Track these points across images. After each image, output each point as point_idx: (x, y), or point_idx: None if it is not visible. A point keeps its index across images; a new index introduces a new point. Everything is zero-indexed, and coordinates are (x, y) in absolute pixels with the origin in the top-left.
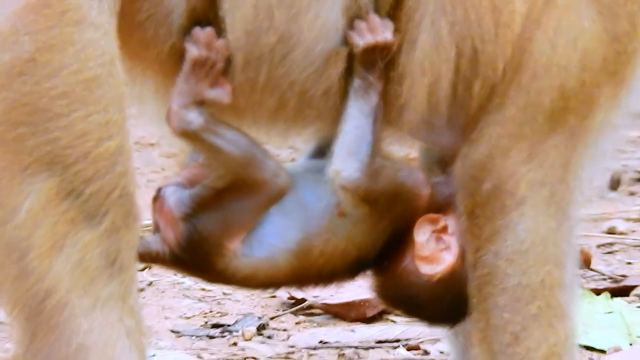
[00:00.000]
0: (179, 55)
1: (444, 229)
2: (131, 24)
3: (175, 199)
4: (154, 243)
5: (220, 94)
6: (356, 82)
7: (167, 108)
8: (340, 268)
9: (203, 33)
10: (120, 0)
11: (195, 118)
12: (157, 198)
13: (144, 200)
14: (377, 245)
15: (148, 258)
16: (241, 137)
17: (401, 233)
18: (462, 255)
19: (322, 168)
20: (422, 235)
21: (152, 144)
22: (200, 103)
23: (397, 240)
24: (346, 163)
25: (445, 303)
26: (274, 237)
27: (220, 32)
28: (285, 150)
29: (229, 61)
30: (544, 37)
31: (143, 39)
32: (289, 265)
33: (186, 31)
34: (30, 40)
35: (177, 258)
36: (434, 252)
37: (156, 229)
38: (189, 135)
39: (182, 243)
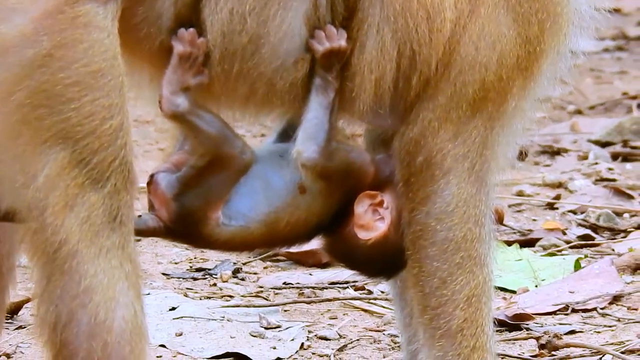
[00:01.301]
0: (167, 50)
1: (380, 203)
2: (129, 25)
3: (166, 182)
4: (151, 220)
5: (201, 79)
6: (317, 81)
7: (158, 94)
8: (302, 233)
9: (187, 33)
10: (121, 7)
11: (182, 102)
12: (151, 182)
13: (140, 168)
14: (331, 214)
15: (147, 233)
16: (216, 120)
17: (349, 204)
18: (395, 225)
19: (285, 151)
20: (361, 207)
21: (148, 121)
22: (186, 89)
23: (344, 210)
24: (306, 145)
25: (378, 262)
26: (248, 210)
27: (201, 32)
28: (256, 126)
29: (208, 55)
30: (469, 41)
31: (138, 37)
32: (260, 232)
33: (173, 31)
34: (48, 39)
35: (170, 231)
36: (369, 222)
37: (151, 207)
38: (177, 116)
39: (174, 218)
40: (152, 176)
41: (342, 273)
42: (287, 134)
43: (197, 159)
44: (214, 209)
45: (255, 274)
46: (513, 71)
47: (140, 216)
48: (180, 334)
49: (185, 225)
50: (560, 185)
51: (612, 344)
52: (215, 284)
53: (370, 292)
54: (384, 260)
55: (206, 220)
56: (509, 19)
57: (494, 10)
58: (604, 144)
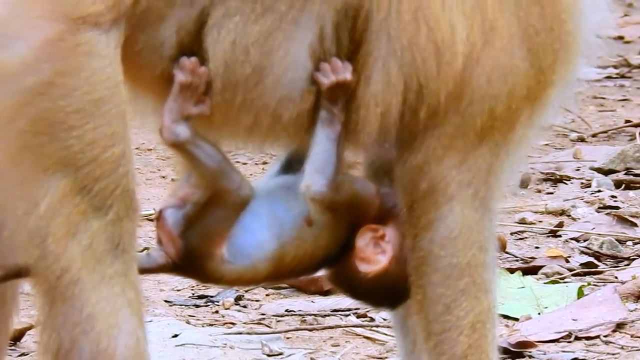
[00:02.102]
0: (168, 78)
1: (382, 237)
2: (131, 53)
3: (173, 219)
4: (159, 257)
5: (202, 109)
6: (322, 113)
7: (159, 123)
8: (309, 266)
9: (188, 62)
10: (124, 35)
11: (182, 131)
12: (159, 218)
13: (142, 195)
14: (337, 245)
15: (156, 270)
16: (216, 153)
17: (353, 235)
18: (396, 258)
19: (291, 184)
20: (362, 241)
21: (150, 149)
22: (187, 118)
23: (348, 242)
24: (315, 179)
25: (380, 293)
26: (255, 249)
27: (203, 61)
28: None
29: (209, 85)
30: (482, 73)
31: (140, 64)
32: (267, 269)
33: (175, 59)
34: (49, 67)
35: (177, 267)
36: (370, 255)
37: (159, 242)
38: (177, 145)
39: (181, 255)
40: (160, 212)
41: (344, 300)
42: (290, 165)
43: (199, 195)
44: (217, 245)
45: (257, 301)
46: (522, 101)
47: (148, 254)
48: None
49: (191, 261)
50: (562, 212)
51: None
52: (217, 311)
53: (372, 320)
54: (386, 292)
55: (210, 257)
56: (523, 50)
57: (509, 41)
58: (606, 172)
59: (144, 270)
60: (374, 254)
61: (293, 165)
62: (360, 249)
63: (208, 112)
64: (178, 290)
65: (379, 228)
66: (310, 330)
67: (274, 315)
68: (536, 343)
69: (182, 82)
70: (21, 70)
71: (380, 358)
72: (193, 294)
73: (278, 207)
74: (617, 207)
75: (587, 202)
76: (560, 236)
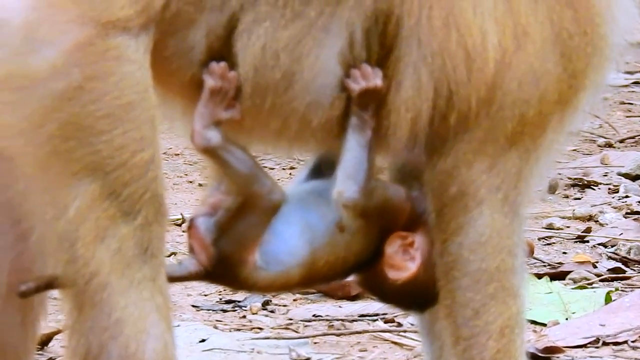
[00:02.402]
0: (198, 83)
1: (411, 244)
2: (160, 58)
3: (205, 227)
4: (192, 266)
5: (233, 113)
6: (353, 120)
7: (190, 129)
8: (341, 271)
9: (218, 67)
10: (153, 40)
11: (214, 136)
12: (191, 226)
13: (170, 200)
14: (369, 251)
15: (189, 278)
16: (247, 158)
17: (384, 240)
18: (425, 264)
19: (322, 190)
20: (391, 248)
21: (177, 154)
22: (218, 123)
23: (380, 247)
24: (347, 185)
25: (409, 298)
26: (287, 255)
27: (232, 65)
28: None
29: (239, 88)
30: (513, 78)
31: (169, 69)
32: (300, 275)
33: (204, 64)
34: (78, 71)
35: (210, 274)
36: (399, 262)
37: (191, 251)
38: (208, 151)
39: (213, 263)
40: (191, 220)
41: (372, 305)
42: (319, 170)
43: (231, 201)
44: (249, 251)
45: (284, 306)
46: (553, 106)
47: (180, 262)
48: None
49: (223, 268)
50: (590, 218)
51: None
52: (244, 316)
53: (400, 325)
54: (415, 296)
55: (243, 264)
56: (556, 54)
57: (542, 46)
58: (634, 177)
59: (176, 279)
60: (403, 261)
61: (322, 170)
62: (389, 256)
63: (239, 116)
64: (205, 295)
65: (408, 235)
66: (337, 335)
67: (301, 320)
68: (564, 348)
69: (212, 87)
70: (50, 75)
71: None
72: (220, 299)
73: (310, 213)
74: None
75: (614, 208)
76: (587, 241)
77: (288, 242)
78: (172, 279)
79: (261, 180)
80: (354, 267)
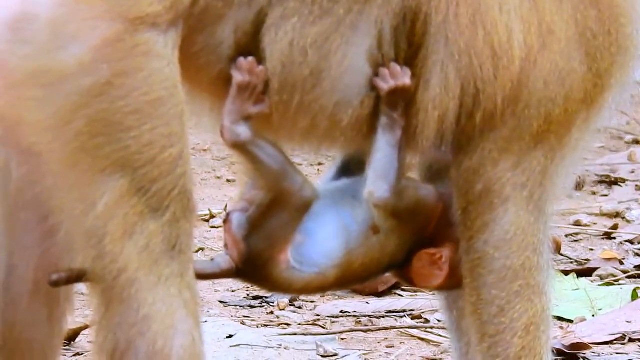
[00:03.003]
0: (226, 78)
1: (440, 258)
2: (189, 54)
3: (237, 222)
4: (224, 263)
5: (262, 108)
6: (383, 119)
7: (220, 125)
8: (375, 271)
9: (246, 62)
10: (181, 36)
11: (243, 132)
12: (227, 221)
13: (198, 196)
14: (403, 251)
15: (220, 275)
16: (278, 154)
17: (418, 240)
18: (452, 273)
19: (355, 190)
20: (419, 262)
21: (205, 150)
22: (247, 119)
23: (413, 248)
24: (378, 185)
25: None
26: (322, 257)
27: (260, 61)
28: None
29: (267, 84)
30: (539, 76)
31: (197, 65)
32: (335, 277)
33: (232, 59)
34: (107, 67)
35: (242, 272)
36: (427, 275)
37: (225, 246)
38: (238, 146)
39: (244, 260)
40: (227, 215)
41: (399, 302)
42: (348, 168)
43: (262, 197)
44: (281, 250)
45: (312, 302)
46: (579, 105)
47: (212, 259)
48: None
49: (254, 267)
50: (617, 215)
51: None
52: (272, 312)
53: (427, 321)
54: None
55: (274, 263)
56: (582, 54)
57: (567, 45)
58: None
59: (207, 276)
60: (430, 273)
61: (351, 167)
62: (416, 269)
63: (267, 111)
64: (233, 291)
65: (436, 252)
66: (364, 331)
67: (328, 317)
68: (590, 345)
69: (240, 82)
70: (78, 71)
71: (435, 359)
72: (248, 295)
73: (344, 214)
74: None
75: None
76: (614, 238)
77: (324, 243)
78: (204, 276)
79: (292, 177)
80: (387, 268)
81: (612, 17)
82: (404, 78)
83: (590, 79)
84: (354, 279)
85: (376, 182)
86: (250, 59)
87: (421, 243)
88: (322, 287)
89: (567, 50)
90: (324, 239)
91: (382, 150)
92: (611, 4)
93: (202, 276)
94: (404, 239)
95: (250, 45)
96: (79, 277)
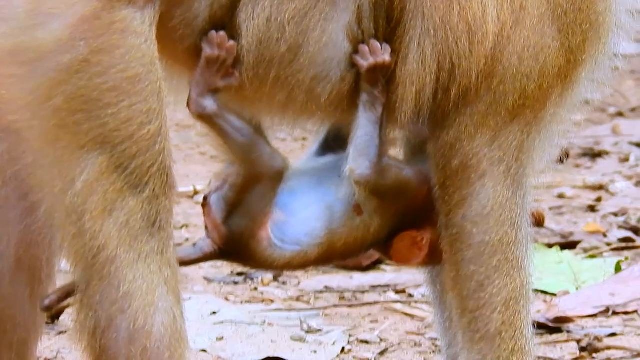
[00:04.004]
0: (199, 52)
1: (422, 240)
2: (166, 29)
3: (216, 205)
4: (206, 246)
5: (230, 81)
6: (363, 96)
7: (187, 96)
8: (358, 250)
9: (216, 36)
10: (159, 12)
11: (209, 104)
12: (205, 205)
13: (182, 172)
14: (386, 231)
15: (204, 259)
16: (245, 126)
17: (402, 220)
18: (432, 252)
19: (338, 167)
20: (401, 243)
21: (189, 126)
22: (215, 91)
23: (397, 228)
24: (358, 162)
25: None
26: (305, 235)
27: (235, 36)
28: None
29: (240, 59)
30: (513, 52)
31: (173, 39)
32: (317, 254)
33: (206, 33)
34: (84, 44)
35: (225, 253)
36: (407, 255)
37: (206, 229)
38: (204, 118)
39: (226, 241)
40: (205, 198)
41: (383, 277)
42: (331, 143)
43: (235, 175)
44: (261, 225)
45: (296, 277)
46: (553, 80)
47: (194, 244)
48: (222, 339)
49: (237, 246)
50: (601, 187)
51: None
52: (256, 288)
53: (411, 296)
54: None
55: (256, 239)
56: (554, 30)
57: (540, 21)
58: None
59: (191, 262)
60: (411, 254)
61: (336, 142)
62: (397, 250)
63: (236, 84)
64: (217, 268)
65: (417, 235)
66: (348, 306)
67: (312, 292)
68: (574, 318)
69: (209, 55)
70: (57, 48)
71: (419, 334)
72: (232, 272)
73: (328, 193)
74: None
75: (625, 177)
76: (598, 211)
77: (306, 222)
78: (188, 262)
79: (260, 148)
80: (370, 246)
81: None
82: (384, 55)
83: (564, 54)
84: (336, 256)
85: (357, 159)
86: (222, 33)
87: (405, 223)
88: (304, 264)
89: (539, 26)
90: (307, 218)
91: (363, 128)
92: None
93: (186, 262)
94: (387, 219)
95: (226, 19)
96: (69, 293)
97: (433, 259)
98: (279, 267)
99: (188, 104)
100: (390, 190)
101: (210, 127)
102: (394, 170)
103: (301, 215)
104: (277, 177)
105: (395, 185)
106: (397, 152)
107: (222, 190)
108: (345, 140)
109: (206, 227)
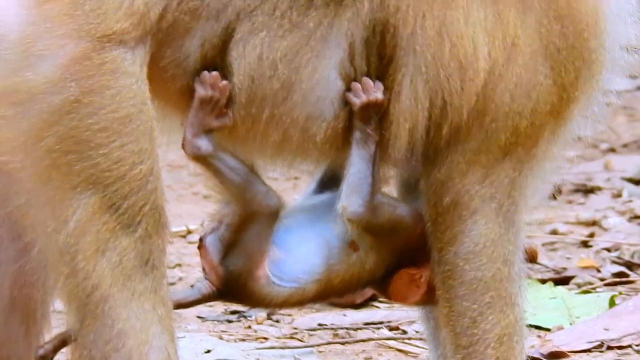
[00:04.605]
0: (191, 92)
1: (420, 278)
2: (157, 69)
3: (213, 247)
4: (204, 288)
5: (224, 121)
6: (356, 134)
7: (182, 137)
8: (354, 287)
9: (209, 76)
10: (150, 52)
11: (204, 145)
12: (201, 246)
13: (174, 212)
14: (383, 269)
15: (202, 300)
16: (240, 165)
17: (399, 258)
18: (430, 291)
19: (334, 204)
20: (400, 280)
21: (181, 166)
22: (208, 132)
23: (393, 265)
24: (351, 200)
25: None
26: (302, 272)
27: (227, 75)
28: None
29: (232, 98)
30: (505, 89)
31: (165, 79)
32: (315, 292)
33: (198, 73)
34: (75, 85)
35: (223, 293)
36: (405, 293)
37: (203, 270)
38: (200, 159)
39: (224, 282)
40: (200, 239)
41: (377, 313)
42: (330, 182)
43: (231, 215)
44: (258, 264)
45: (289, 315)
46: (545, 117)
47: (192, 286)
48: None
49: (235, 286)
50: (594, 223)
51: None
52: (249, 326)
53: (404, 332)
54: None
55: (254, 279)
56: (546, 67)
57: (532, 58)
58: (637, 182)
59: (190, 304)
60: (409, 292)
61: (333, 181)
62: (396, 287)
63: (230, 123)
64: (210, 306)
65: (416, 272)
66: (342, 343)
67: (306, 330)
68: (568, 353)
69: (202, 96)
70: (48, 89)
71: None
72: (226, 310)
73: (326, 230)
74: None
75: (618, 212)
76: (591, 246)
77: (304, 259)
78: (186, 304)
79: (255, 187)
80: (367, 283)
81: (575, 32)
82: (377, 93)
83: (556, 91)
84: (333, 293)
85: (350, 197)
86: (214, 73)
87: (402, 261)
88: (301, 301)
89: (531, 63)
90: (305, 255)
91: (356, 165)
92: (574, 20)
93: (184, 304)
94: (383, 256)
95: (217, 58)
96: (64, 341)
97: (431, 296)
98: (277, 305)
99: (183, 145)
100: (383, 228)
101: (206, 168)
102: (386, 208)
103: (298, 253)
104: (273, 215)
105: (389, 223)
106: (391, 189)
107: (218, 231)
108: (341, 178)
109: (203, 269)
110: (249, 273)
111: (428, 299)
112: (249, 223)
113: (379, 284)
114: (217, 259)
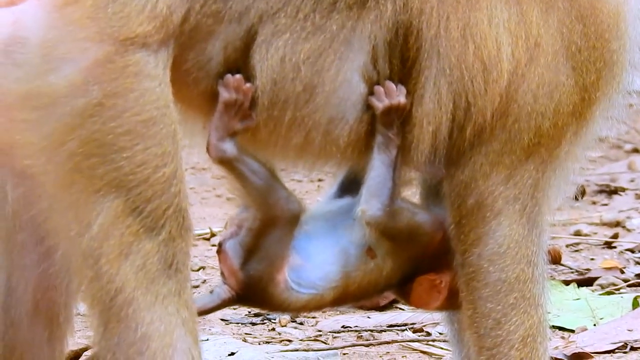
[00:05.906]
0: (214, 95)
1: (440, 283)
2: (179, 72)
3: (233, 252)
4: (223, 293)
5: (248, 124)
6: (378, 138)
7: (206, 141)
8: (371, 293)
9: (233, 79)
10: (172, 55)
11: (229, 148)
12: (220, 251)
13: (198, 215)
14: (401, 275)
15: (222, 306)
16: (263, 170)
17: (418, 265)
18: (451, 296)
19: (353, 209)
20: (420, 286)
21: (204, 168)
22: (233, 135)
23: (411, 273)
24: (370, 204)
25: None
26: (320, 279)
27: (250, 77)
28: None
29: (255, 100)
30: (527, 90)
31: (187, 82)
32: (333, 297)
33: (221, 76)
34: (98, 88)
35: (242, 298)
36: (426, 299)
37: (222, 275)
38: (224, 162)
39: (244, 287)
40: (220, 244)
41: (400, 315)
42: (351, 185)
43: (252, 219)
44: (278, 269)
45: (313, 317)
46: (568, 118)
47: (211, 291)
48: None
49: (254, 291)
50: (617, 224)
51: None
52: (273, 329)
53: (428, 334)
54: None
55: (274, 283)
56: (568, 68)
57: (554, 58)
58: None
59: (210, 310)
60: (429, 298)
61: (354, 184)
62: (416, 293)
63: (253, 125)
64: (234, 308)
65: (437, 278)
66: (366, 345)
67: (330, 332)
68: (592, 354)
69: (227, 99)
70: (70, 93)
71: None
72: (249, 312)
73: (343, 237)
74: None
75: None
76: (615, 247)
77: (322, 266)
78: (207, 310)
79: (277, 192)
80: (384, 289)
81: (597, 32)
82: (399, 97)
83: (578, 92)
84: (350, 299)
85: (369, 201)
86: (238, 75)
87: (422, 267)
88: (319, 307)
89: (554, 63)
90: (323, 262)
91: (377, 169)
92: (596, 20)
93: (205, 311)
94: (400, 263)
95: (240, 61)
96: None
97: (452, 302)
98: (295, 310)
99: (208, 149)
100: (402, 233)
101: (230, 171)
102: (406, 213)
103: (317, 260)
104: (294, 220)
105: (407, 229)
106: (413, 194)
107: (238, 236)
108: (362, 182)
109: (222, 274)
110: (269, 278)
111: (450, 304)
112: (269, 228)
113: (400, 291)
114: (237, 264)
